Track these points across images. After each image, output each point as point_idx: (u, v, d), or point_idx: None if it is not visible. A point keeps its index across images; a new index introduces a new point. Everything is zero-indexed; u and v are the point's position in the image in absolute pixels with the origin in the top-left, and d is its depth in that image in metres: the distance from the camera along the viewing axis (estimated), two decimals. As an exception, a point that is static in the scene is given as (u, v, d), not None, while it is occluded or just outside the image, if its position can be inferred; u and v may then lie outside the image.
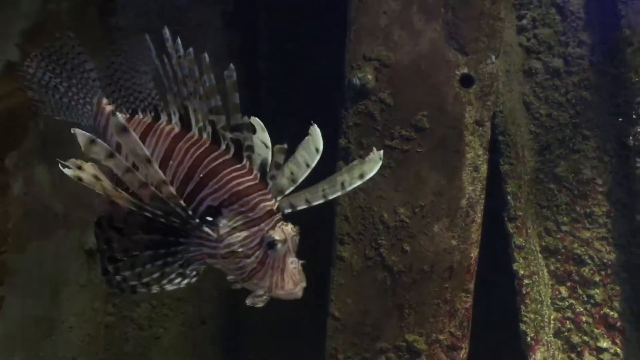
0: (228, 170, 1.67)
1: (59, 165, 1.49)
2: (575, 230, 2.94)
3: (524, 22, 2.97)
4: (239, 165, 1.67)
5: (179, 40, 1.64)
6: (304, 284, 1.63)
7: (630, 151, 2.79)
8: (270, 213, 1.64)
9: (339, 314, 2.75)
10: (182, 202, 1.59)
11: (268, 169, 1.69)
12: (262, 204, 1.64)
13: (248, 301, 1.65)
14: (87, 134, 1.43)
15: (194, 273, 1.69)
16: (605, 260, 2.91)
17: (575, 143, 2.93)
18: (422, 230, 2.72)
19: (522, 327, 2.87)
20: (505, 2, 2.74)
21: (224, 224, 1.64)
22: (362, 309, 2.75)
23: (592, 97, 2.91)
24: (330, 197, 1.72)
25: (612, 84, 2.87)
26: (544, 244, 3.00)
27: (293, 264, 1.62)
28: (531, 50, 2.98)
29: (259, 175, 1.68)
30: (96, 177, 1.51)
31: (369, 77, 2.72)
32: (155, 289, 1.65)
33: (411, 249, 2.73)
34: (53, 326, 3.00)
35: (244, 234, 1.63)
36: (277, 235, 1.62)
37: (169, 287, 1.66)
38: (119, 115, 1.53)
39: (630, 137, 2.77)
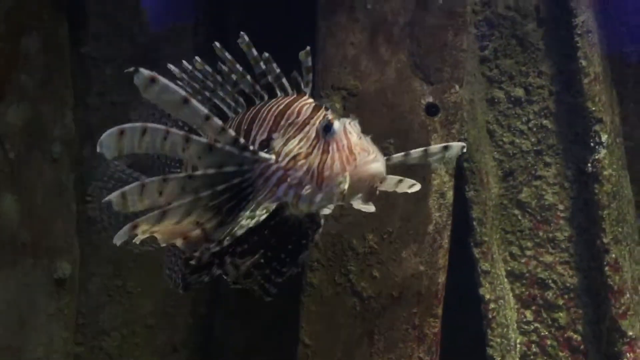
0: (265, 107, 1.70)
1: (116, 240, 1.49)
2: (539, 255, 3.00)
3: (486, 52, 3.06)
4: (273, 100, 1.70)
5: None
6: (379, 155, 1.51)
7: (588, 178, 2.88)
8: (317, 109, 1.61)
9: (309, 341, 2.76)
10: (234, 134, 1.54)
11: (301, 79, 1.70)
12: (306, 107, 1.62)
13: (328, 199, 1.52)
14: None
15: (264, 211, 1.58)
16: (568, 284, 2.97)
17: (537, 170, 3.01)
18: (390, 256, 2.76)
19: (489, 351, 2.90)
20: (467, 34, 2.83)
21: (277, 142, 1.60)
22: (332, 335, 2.76)
23: (552, 125, 3.00)
24: (411, 160, 1.77)
25: (571, 113, 2.96)
26: (509, 268, 3.05)
27: (358, 137, 1.52)
28: (493, 80, 3.07)
29: (295, 91, 1.70)
30: (153, 226, 1.50)
31: (337, 106, 2.78)
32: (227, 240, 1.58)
33: (380, 275, 2.76)
34: (20, 357, 2.96)
35: (298, 136, 1.58)
36: (329, 116, 1.55)
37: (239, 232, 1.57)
38: (143, 70, 1.41)
39: (589, 164, 2.85)
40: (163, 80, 1.40)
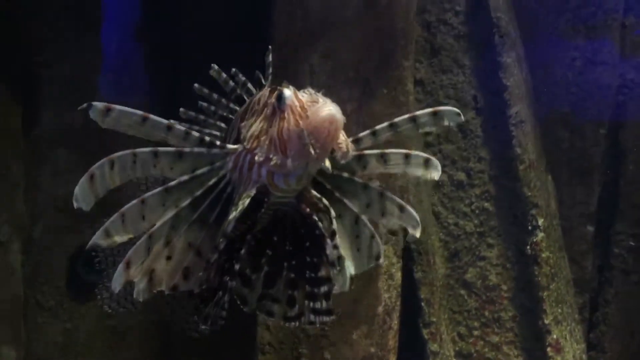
0: (235, 114, 1.77)
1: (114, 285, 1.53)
2: (485, 335, 3.06)
3: (430, 138, 3.21)
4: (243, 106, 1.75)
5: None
6: (330, 103, 1.45)
7: (528, 259, 2.99)
8: (273, 90, 1.60)
9: None
10: (198, 134, 1.58)
11: (264, 75, 1.74)
12: (265, 93, 1.63)
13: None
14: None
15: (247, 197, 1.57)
16: (514, 364, 3.03)
17: (481, 251, 3.12)
18: (341, 338, 2.77)
19: None
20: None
21: (243, 131, 1.61)
22: (285, 419, 2.72)
23: (493, 208, 3.13)
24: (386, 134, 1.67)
25: (510, 196, 3.10)
26: (457, 348, 3.09)
27: (307, 96, 1.49)
28: (437, 164, 3.20)
29: (258, 88, 1.74)
30: (145, 259, 1.54)
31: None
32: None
33: (332, 357, 2.76)
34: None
35: (259, 119, 1.58)
36: (279, 89, 1.53)
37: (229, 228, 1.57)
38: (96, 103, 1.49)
39: (528, 247, 2.98)
40: (117, 107, 1.47)
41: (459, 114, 1.70)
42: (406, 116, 1.69)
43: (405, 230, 1.83)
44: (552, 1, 3.25)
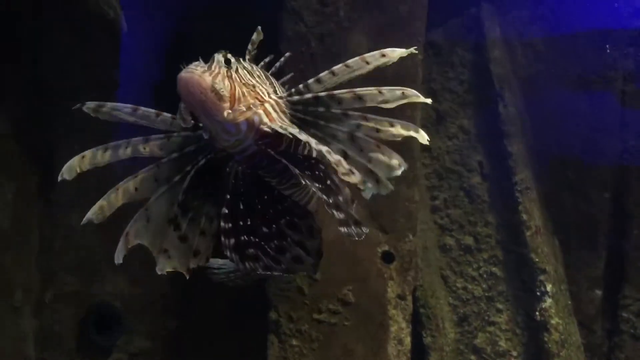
0: None
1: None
2: (496, 401, 3.04)
3: (437, 202, 3.26)
4: None
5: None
6: (191, 68, 1.55)
7: (537, 325, 2.99)
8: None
9: None
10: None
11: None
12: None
13: None
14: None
15: None
16: None
17: (490, 315, 3.12)
18: (351, 404, 2.76)
19: None
20: (419, 186, 3.03)
21: None
22: None
23: (501, 273, 3.15)
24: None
25: (517, 261, 3.12)
26: (468, 414, 3.06)
27: (212, 62, 1.59)
28: (445, 228, 3.25)
29: None
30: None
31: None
32: None
33: None
34: None
35: None
36: None
37: None
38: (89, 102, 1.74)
39: (537, 313, 2.98)
40: (109, 103, 1.70)
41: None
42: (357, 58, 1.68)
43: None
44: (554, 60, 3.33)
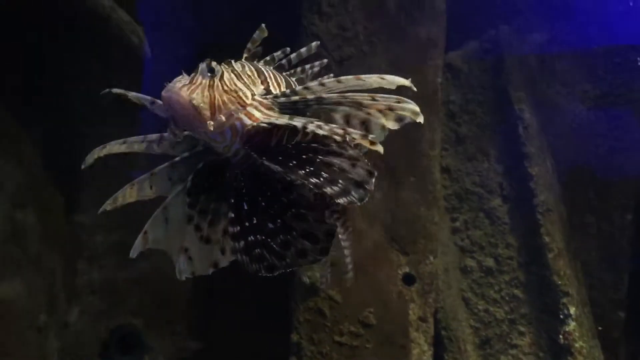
0: None
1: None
2: None
3: (457, 224, 3.26)
4: None
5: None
6: (177, 84, 1.58)
7: (561, 349, 2.96)
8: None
9: None
10: None
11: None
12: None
13: None
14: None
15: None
16: None
17: (513, 338, 3.09)
18: None
19: None
20: (438, 207, 3.04)
21: None
22: None
23: (523, 295, 3.13)
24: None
25: (539, 284, 3.10)
26: None
27: (196, 73, 1.62)
28: (465, 250, 3.24)
29: None
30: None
31: (317, 275, 2.90)
32: None
33: None
34: None
35: None
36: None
37: None
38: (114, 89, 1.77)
39: (560, 336, 2.95)
40: (132, 93, 1.74)
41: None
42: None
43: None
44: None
